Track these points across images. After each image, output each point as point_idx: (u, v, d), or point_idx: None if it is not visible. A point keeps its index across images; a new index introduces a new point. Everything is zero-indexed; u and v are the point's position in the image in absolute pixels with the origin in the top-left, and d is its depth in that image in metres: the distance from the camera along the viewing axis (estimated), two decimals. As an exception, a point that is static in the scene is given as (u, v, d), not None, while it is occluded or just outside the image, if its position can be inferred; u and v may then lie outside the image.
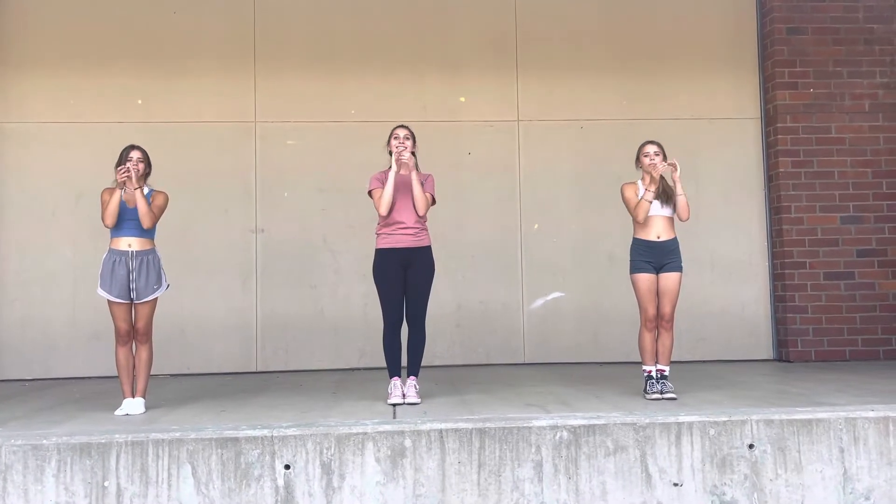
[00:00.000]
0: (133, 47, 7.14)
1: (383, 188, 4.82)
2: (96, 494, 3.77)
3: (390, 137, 4.95)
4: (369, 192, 4.93)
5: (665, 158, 4.94)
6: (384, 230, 4.88)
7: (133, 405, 4.68)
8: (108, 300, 4.67)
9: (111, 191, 4.71)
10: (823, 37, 7.23)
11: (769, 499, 3.96)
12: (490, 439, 3.93)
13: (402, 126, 4.98)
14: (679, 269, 4.89)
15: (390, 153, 4.94)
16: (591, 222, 7.29)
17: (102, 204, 4.68)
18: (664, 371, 4.89)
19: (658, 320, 4.88)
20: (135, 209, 4.70)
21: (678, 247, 4.93)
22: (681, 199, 4.88)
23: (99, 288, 4.70)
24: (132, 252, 4.68)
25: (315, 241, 7.16)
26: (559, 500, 3.91)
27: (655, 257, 4.87)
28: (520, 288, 7.27)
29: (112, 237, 4.72)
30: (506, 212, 7.30)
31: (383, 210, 4.81)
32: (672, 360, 5.02)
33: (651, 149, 4.95)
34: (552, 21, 7.44)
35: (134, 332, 4.74)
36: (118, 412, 4.62)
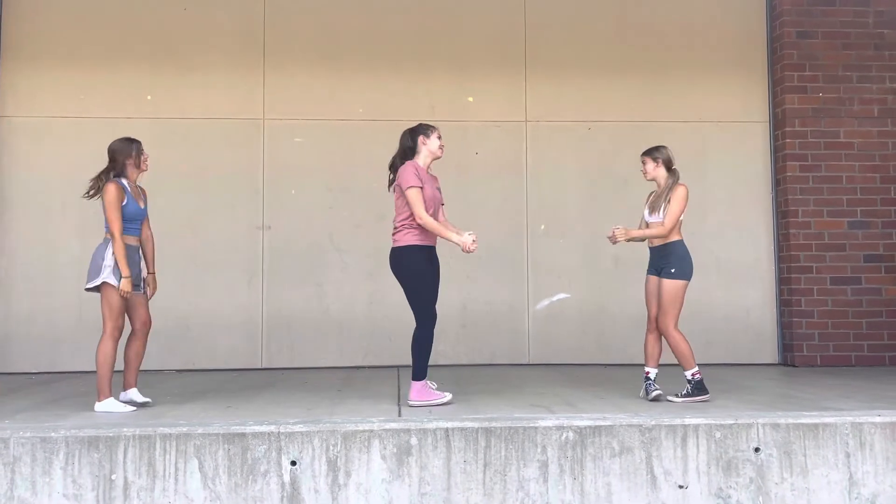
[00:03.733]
0: (143, 43, 7.16)
1: (423, 187, 4.62)
2: (104, 487, 3.79)
3: (432, 133, 4.76)
4: (409, 188, 4.60)
5: (655, 161, 4.98)
6: (417, 227, 4.65)
7: (134, 394, 4.70)
8: (124, 293, 4.52)
9: (118, 190, 4.57)
10: (833, 41, 7.22)
11: (774, 502, 3.96)
12: (496, 439, 3.94)
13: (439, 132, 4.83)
14: (669, 275, 4.83)
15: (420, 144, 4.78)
16: (597, 224, 7.26)
17: (113, 204, 4.51)
18: (647, 373, 4.93)
19: (655, 322, 4.94)
20: (144, 210, 4.72)
21: (671, 252, 4.86)
22: (649, 234, 4.91)
23: (122, 279, 4.48)
24: (136, 247, 4.72)
25: (321, 238, 7.17)
26: (564, 500, 3.91)
27: (654, 262, 4.99)
28: (525, 289, 7.27)
29: (126, 234, 4.63)
30: (512, 212, 7.31)
31: (425, 219, 4.59)
32: (677, 363, 5.00)
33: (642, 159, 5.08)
34: (561, 22, 7.44)
35: (141, 325, 4.72)
36: (125, 409, 4.55)
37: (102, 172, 4.65)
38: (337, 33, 7.32)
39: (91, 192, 4.63)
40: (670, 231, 4.84)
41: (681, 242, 4.89)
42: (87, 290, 4.60)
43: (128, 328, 4.68)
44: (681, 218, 4.90)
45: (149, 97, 7.14)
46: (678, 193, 4.86)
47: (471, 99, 7.38)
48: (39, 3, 7.16)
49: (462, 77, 7.36)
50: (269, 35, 7.28)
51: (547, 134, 7.38)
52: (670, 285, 4.83)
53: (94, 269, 4.53)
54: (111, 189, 4.55)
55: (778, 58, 7.35)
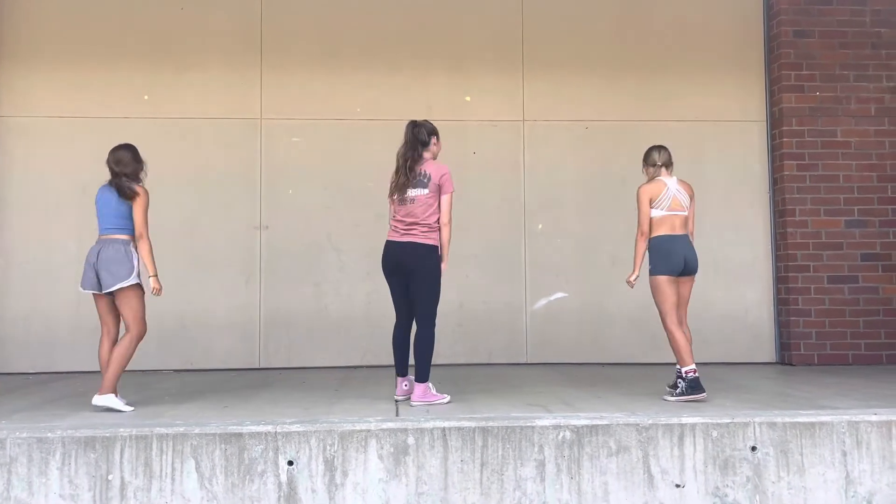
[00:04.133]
0: (140, 42, 7.15)
1: None
2: (100, 488, 3.79)
3: (438, 136, 4.88)
4: (451, 192, 4.76)
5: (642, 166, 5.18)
6: None
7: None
8: (158, 291, 4.68)
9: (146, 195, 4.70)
10: (830, 40, 7.22)
11: (771, 501, 3.96)
12: (493, 438, 3.94)
13: (412, 121, 4.87)
14: (649, 272, 5.00)
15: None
16: (594, 223, 7.29)
17: (148, 208, 4.67)
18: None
19: None
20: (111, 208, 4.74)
21: (649, 251, 5.03)
22: (636, 250, 5.03)
23: (151, 277, 4.66)
24: None
25: (319, 238, 7.17)
26: (561, 499, 3.92)
27: None
28: (523, 288, 7.27)
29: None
30: (510, 211, 7.31)
31: (451, 225, 4.77)
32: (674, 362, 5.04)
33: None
34: (558, 21, 7.44)
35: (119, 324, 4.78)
36: (126, 408, 4.57)
37: (131, 176, 4.67)
38: (334, 33, 7.32)
39: (132, 196, 4.66)
40: (639, 232, 4.98)
41: (656, 238, 4.94)
42: (108, 292, 4.60)
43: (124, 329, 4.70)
44: (657, 214, 4.93)
45: (146, 97, 7.13)
46: (637, 196, 5.02)
47: (468, 98, 7.38)
48: (36, 3, 7.14)
49: (460, 76, 7.35)
50: (267, 34, 7.27)
51: (544, 133, 7.38)
52: (650, 283, 4.95)
53: (124, 270, 4.56)
54: (147, 193, 4.69)
55: (775, 57, 7.36)
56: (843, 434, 4.03)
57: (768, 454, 4.00)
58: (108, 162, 4.71)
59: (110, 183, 4.70)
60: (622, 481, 3.94)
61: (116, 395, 4.57)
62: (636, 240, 5.00)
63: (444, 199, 4.70)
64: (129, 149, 4.75)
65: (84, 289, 4.65)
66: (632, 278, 5.01)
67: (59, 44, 7.10)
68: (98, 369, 4.68)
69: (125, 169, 4.67)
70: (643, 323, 6.78)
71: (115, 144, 4.80)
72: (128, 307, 4.58)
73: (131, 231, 4.65)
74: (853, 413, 4.14)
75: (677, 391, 4.82)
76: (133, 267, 4.58)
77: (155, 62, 7.14)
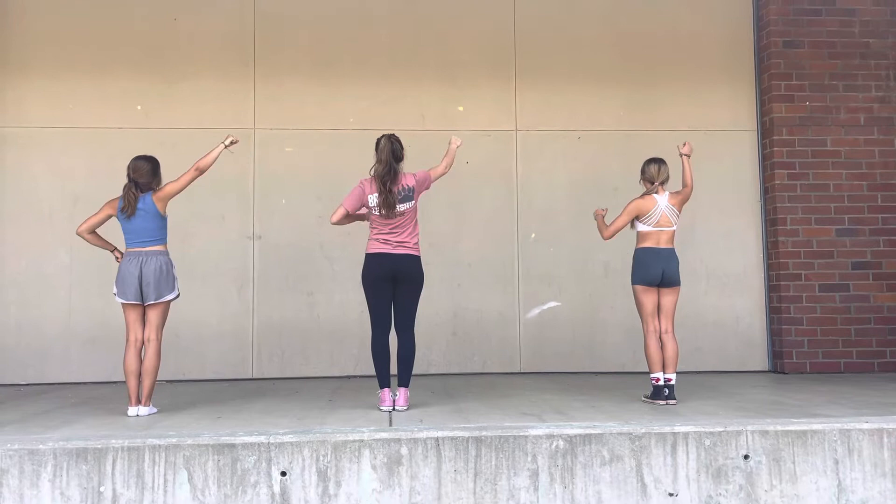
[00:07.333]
0: (133, 53, 7.15)
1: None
2: (92, 499, 3.77)
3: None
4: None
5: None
6: None
7: None
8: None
9: (112, 205, 4.86)
10: (820, 50, 7.29)
11: (764, 509, 3.97)
12: (486, 448, 3.94)
13: (387, 136, 4.92)
14: None
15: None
16: (587, 232, 7.25)
17: (97, 216, 4.86)
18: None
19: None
20: (140, 222, 4.83)
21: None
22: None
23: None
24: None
25: (312, 247, 7.17)
26: (555, 509, 3.92)
27: None
28: (516, 297, 7.28)
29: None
30: (503, 221, 7.32)
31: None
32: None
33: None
34: (551, 31, 7.48)
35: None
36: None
37: (143, 187, 4.83)
38: (327, 43, 7.34)
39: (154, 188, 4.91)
40: (604, 235, 5.22)
41: (640, 250, 5.16)
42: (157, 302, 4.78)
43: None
44: (644, 229, 5.12)
45: (139, 107, 7.13)
46: (625, 206, 5.21)
47: (461, 108, 7.41)
48: (29, 13, 7.14)
49: (453, 86, 7.38)
50: (260, 45, 7.29)
51: (537, 143, 7.41)
52: (632, 291, 5.19)
53: (172, 285, 4.81)
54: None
55: (765, 67, 7.41)
56: (835, 442, 4.04)
57: (761, 462, 4.01)
58: (127, 168, 4.84)
59: (125, 195, 4.77)
60: (615, 490, 3.95)
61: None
62: (601, 230, 5.25)
63: (433, 176, 4.98)
64: (150, 161, 4.89)
65: (128, 300, 4.73)
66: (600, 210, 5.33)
67: (52, 54, 7.10)
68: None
69: (140, 178, 4.80)
70: (636, 332, 6.75)
71: (137, 155, 4.97)
72: (161, 317, 4.81)
73: (166, 241, 4.87)
74: (845, 421, 4.16)
75: (647, 394, 5.15)
76: (176, 280, 4.85)
77: (148, 73, 7.14)
